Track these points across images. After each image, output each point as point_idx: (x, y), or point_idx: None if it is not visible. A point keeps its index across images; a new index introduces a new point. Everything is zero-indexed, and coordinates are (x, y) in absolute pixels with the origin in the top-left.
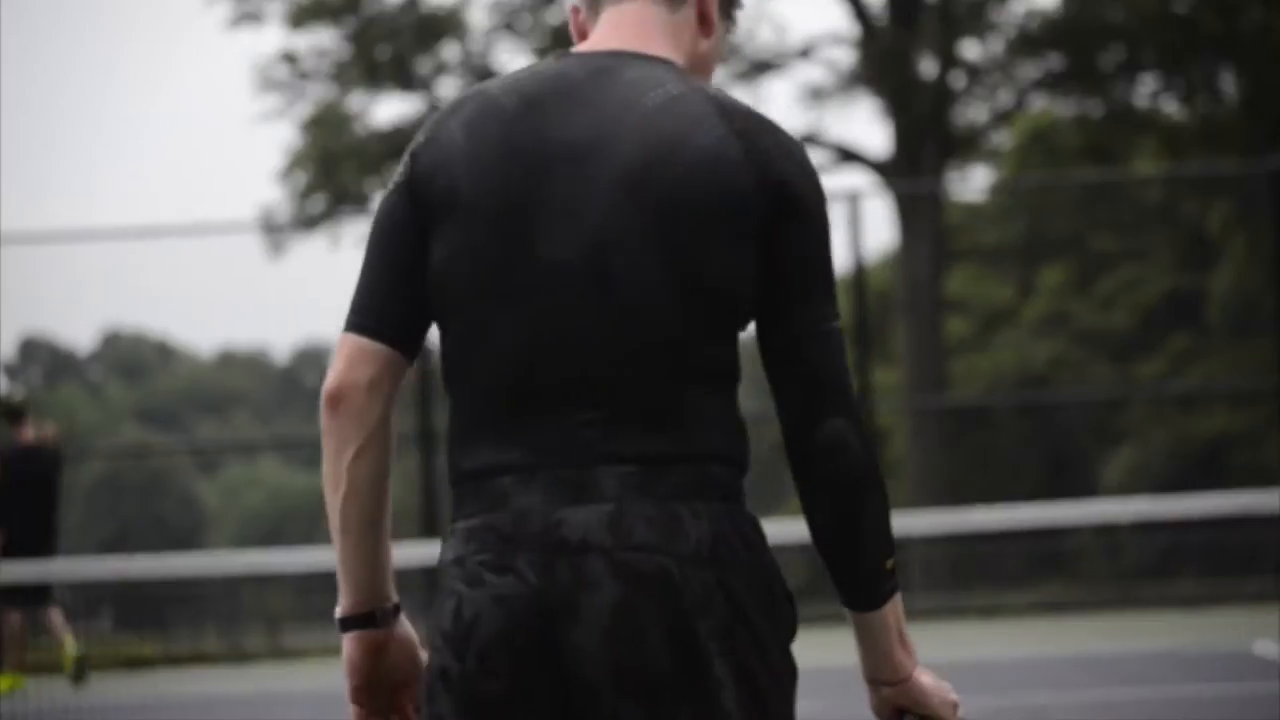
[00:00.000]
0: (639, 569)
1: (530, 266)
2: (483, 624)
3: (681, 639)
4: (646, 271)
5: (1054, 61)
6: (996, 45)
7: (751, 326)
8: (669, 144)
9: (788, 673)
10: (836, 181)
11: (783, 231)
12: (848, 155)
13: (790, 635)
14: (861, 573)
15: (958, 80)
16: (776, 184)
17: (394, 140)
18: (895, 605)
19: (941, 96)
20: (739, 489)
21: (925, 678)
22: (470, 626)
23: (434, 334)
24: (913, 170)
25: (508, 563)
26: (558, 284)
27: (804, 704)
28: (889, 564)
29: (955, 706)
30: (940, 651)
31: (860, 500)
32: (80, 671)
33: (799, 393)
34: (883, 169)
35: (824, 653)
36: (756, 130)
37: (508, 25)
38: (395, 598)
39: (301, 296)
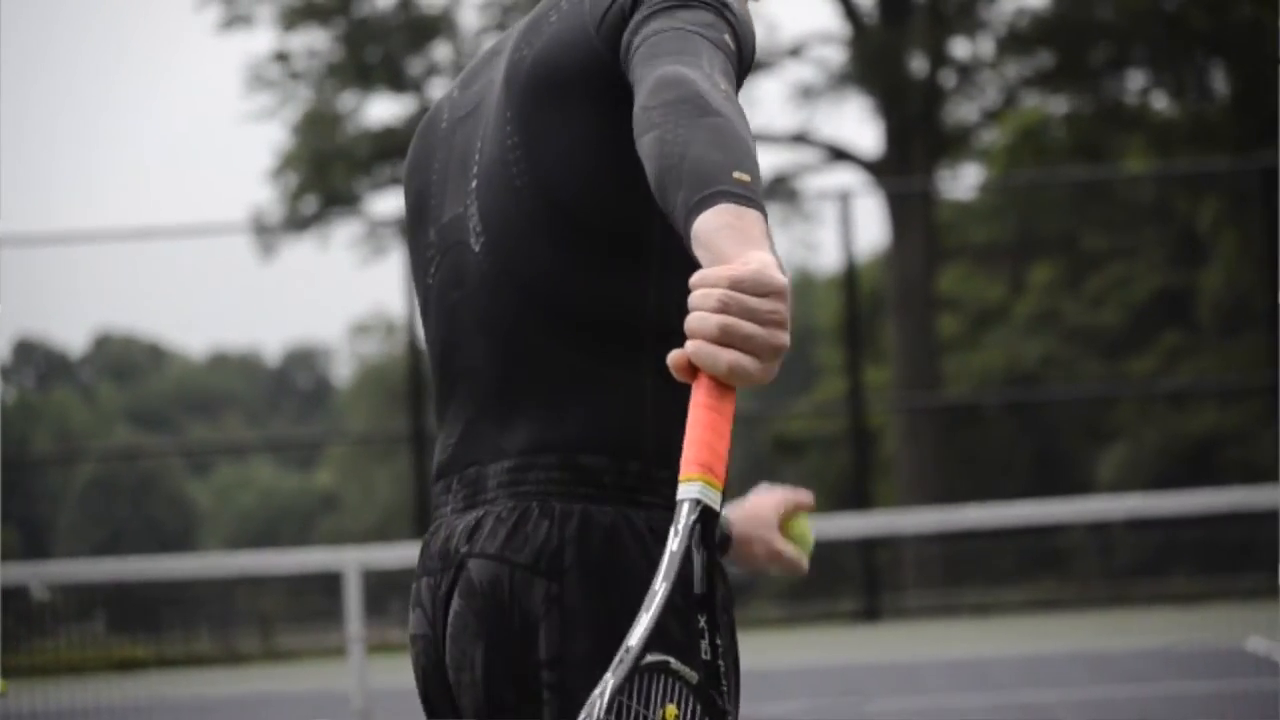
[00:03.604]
0: (472, 578)
1: (434, 241)
2: (414, 668)
3: (504, 662)
4: (505, 208)
5: (1044, 59)
6: (986, 43)
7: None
8: (516, 48)
9: None
10: (827, 180)
11: (618, 53)
12: (838, 154)
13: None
14: (686, 189)
15: (948, 79)
16: (612, 11)
17: (385, 141)
18: (743, 212)
19: (932, 95)
20: (633, 484)
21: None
22: (413, 667)
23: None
24: (903, 169)
25: (418, 590)
26: (452, 246)
27: (788, 704)
28: (738, 175)
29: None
30: (933, 650)
31: (689, 117)
32: None
33: (640, 82)
34: (873, 168)
35: (807, 653)
36: None
37: (499, 26)
38: None
39: (293, 298)
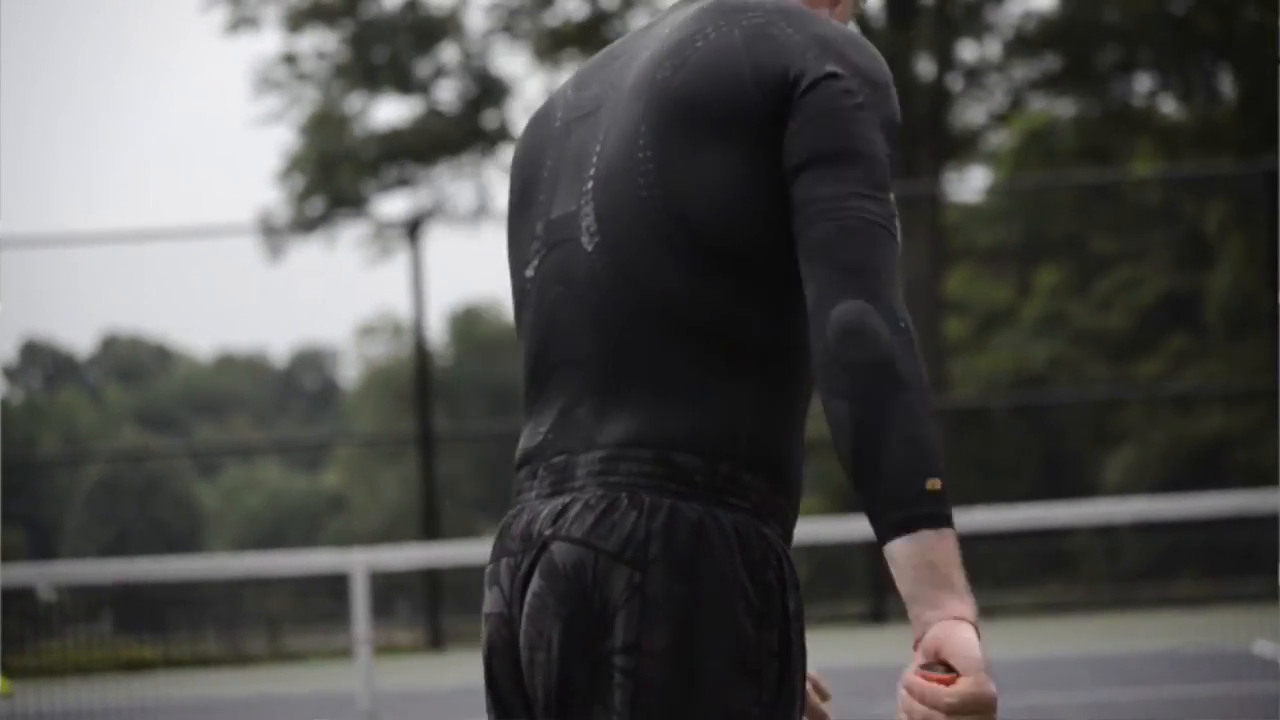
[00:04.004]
0: (555, 559)
1: (541, 235)
2: (482, 645)
3: (580, 644)
4: (627, 215)
5: (1051, 62)
6: (993, 46)
7: None
8: (656, 64)
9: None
10: None
11: (791, 131)
12: None
13: (753, 680)
14: (883, 488)
15: (955, 81)
16: (765, 73)
17: (392, 143)
18: (938, 541)
19: (939, 97)
20: (722, 485)
21: (973, 633)
22: (482, 645)
23: (436, 334)
24: (910, 171)
25: (496, 570)
26: (560, 242)
27: None
28: (931, 485)
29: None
30: None
31: (882, 394)
32: None
33: (812, 278)
34: None
35: (813, 655)
36: (765, 24)
37: (506, 27)
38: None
39: (300, 299)
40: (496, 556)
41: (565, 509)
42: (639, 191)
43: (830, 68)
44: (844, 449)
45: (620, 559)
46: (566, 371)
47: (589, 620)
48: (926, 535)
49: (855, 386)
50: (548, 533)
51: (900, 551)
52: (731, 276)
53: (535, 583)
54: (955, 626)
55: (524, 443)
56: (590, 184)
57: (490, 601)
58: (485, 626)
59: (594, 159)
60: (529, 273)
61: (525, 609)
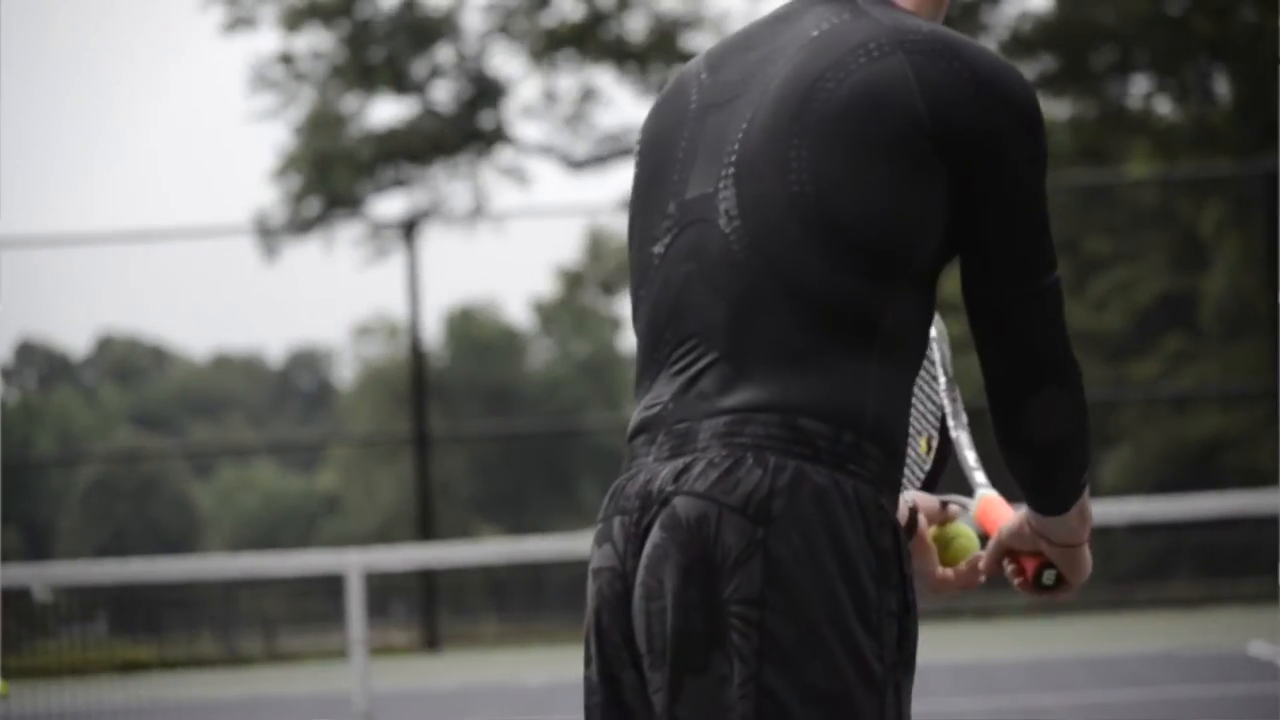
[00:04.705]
0: (678, 513)
1: (672, 213)
2: (589, 599)
3: (699, 592)
4: (774, 205)
5: (1047, 63)
6: (989, 47)
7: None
8: (814, 71)
9: (846, 678)
10: None
11: (958, 176)
12: None
13: (874, 638)
14: (1051, 502)
15: None
16: (942, 119)
17: (388, 143)
18: (1081, 501)
19: None
20: (845, 453)
21: (1088, 552)
22: (589, 599)
23: (432, 334)
24: None
25: (608, 528)
26: (694, 222)
27: None
28: (1083, 480)
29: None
30: (936, 653)
31: (1061, 456)
32: None
33: (1002, 362)
34: None
35: None
36: (930, 55)
37: (502, 28)
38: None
39: (295, 300)
40: (609, 515)
41: (688, 467)
42: (790, 188)
43: (1002, 127)
44: (1019, 479)
45: (744, 513)
46: (691, 345)
47: (709, 570)
48: (1077, 503)
49: (1041, 459)
50: (670, 489)
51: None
52: (873, 272)
53: (655, 534)
54: (1084, 551)
55: (640, 413)
56: (731, 170)
57: (600, 557)
58: (594, 582)
59: (734, 146)
60: (658, 249)
61: (644, 560)
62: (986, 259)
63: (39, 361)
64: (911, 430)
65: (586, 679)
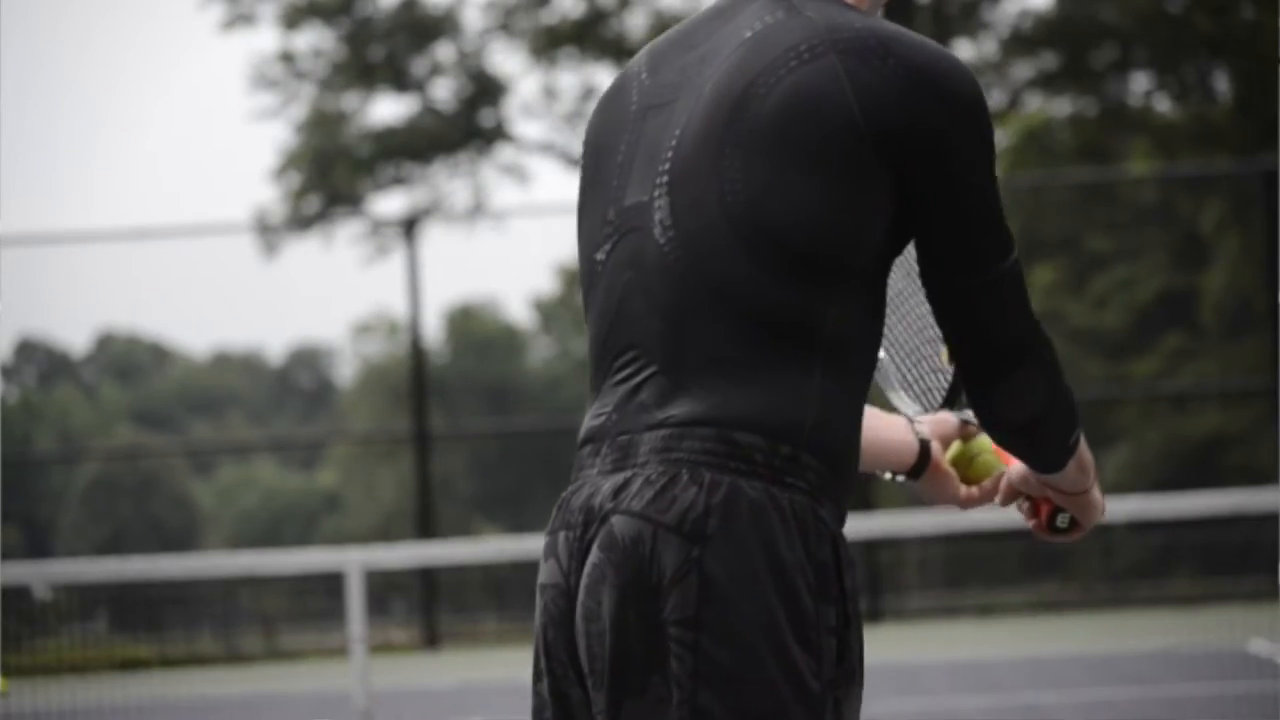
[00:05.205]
0: (615, 532)
1: (611, 220)
2: (537, 615)
3: (636, 614)
4: (707, 215)
5: (1047, 61)
6: (990, 44)
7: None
8: (746, 77)
9: (782, 698)
10: None
11: (899, 176)
12: None
13: (812, 655)
14: (1043, 465)
15: None
16: (877, 121)
17: (388, 141)
18: (1078, 455)
19: None
20: (782, 466)
21: (1097, 493)
22: (537, 614)
23: (432, 332)
24: None
25: (554, 543)
26: (632, 230)
27: None
28: (1071, 440)
29: (1104, 514)
30: (935, 651)
31: (1041, 429)
32: None
33: (968, 352)
34: None
35: None
36: (862, 54)
37: (502, 26)
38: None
39: (295, 298)
40: (555, 529)
41: (627, 484)
42: (724, 196)
43: (939, 120)
44: (1006, 447)
45: (679, 532)
46: (632, 355)
47: (645, 592)
48: (1072, 460)
49: (1022, 435)
50: (609, 506)
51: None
52: (810, 279)
53: (594, 554)
54: (1092, 494)
55: (588, 422)
56: (665, 178)
57: (546, 573)
58: (541, 597)
59: (669, 153)
60: (600, 255)
61: (583, 580)
62: (938, 253)
63: (39, 359)
64: (933, 336)
65: (536, 693)
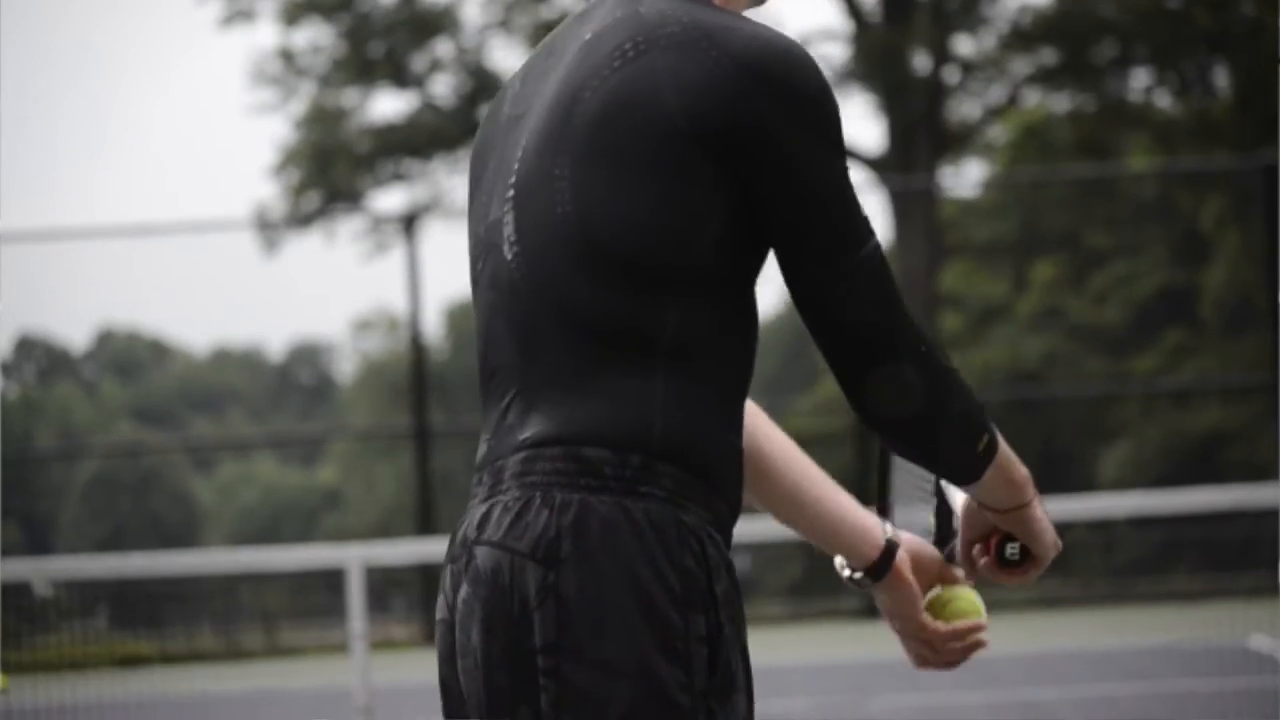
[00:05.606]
0: (478, 564)
1: (480, 237)
2: (436, 650)
3: (502, 647)
4: (545, 229)
5: (1047, 56)
6: (989, 40)
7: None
8: (576, 83)
9: (649, 717)
10: None
11: (732, 172)
12: None
13: (680, 667)
14: (954, 474)
15: (951, 76)
16: (700, 118)
17: (387, 137)
18: (997, 463)
19: (935, 92)
20: (633, 476)
21: (1038, 510)
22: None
23: (432, 328)
24: (906, 166)
25: (443, 576)
26: (491, 251)
27: (791, 701)
28: (980, 446)
29: (1057, 547)
30: None
31: (929, 429)
32: None
33: (832, 349)
34: (876, 165)
35: (809, 650)
36: (685, 48)
37: (502, 22)
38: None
39: (296, 294)
40: (446, 563)
41: (489, 513)
42: (555, 209)
43: (766, 112)
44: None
45: (533, 558)
46: (500, 379)
47: (508, 623)
48: (989, 469)
49: (908, 437)
50: (473, 537)
51: (975, 485)
52: (642, 287)
53: (463, 589)
54: (1031, 510)
55: (478, 449)
56: (511, 192)
57: (438, 607)
58: (436, 631)
59: (515, 166)
60: (473, 274)
61: (457, 615)
62: (788, 248)
63: (39, 355)
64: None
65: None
